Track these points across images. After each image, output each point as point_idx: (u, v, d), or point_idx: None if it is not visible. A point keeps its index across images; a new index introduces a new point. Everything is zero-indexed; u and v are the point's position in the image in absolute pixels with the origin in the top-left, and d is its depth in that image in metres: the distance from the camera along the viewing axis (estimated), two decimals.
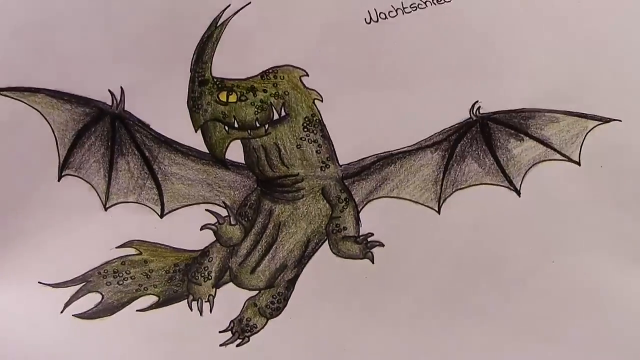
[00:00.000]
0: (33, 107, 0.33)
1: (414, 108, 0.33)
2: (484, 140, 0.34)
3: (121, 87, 0.33)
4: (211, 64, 0.33)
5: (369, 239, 0.34)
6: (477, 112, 0.33)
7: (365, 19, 0.32)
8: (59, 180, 0.33)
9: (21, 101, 0.33)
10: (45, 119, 0.33)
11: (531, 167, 0.34)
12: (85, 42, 0.33)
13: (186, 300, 0.34)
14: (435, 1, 0.32)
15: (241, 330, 0.34)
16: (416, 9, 0.32)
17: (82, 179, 0.33)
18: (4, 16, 0.33)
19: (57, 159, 0.33)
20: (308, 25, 0.32)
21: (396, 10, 0.32)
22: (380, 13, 0.32)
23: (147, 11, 0.33)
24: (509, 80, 0.33)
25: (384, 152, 0.33)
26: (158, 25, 0.33)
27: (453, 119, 0.33)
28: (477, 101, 0.33)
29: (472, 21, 0.32)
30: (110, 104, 0.33)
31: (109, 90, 0.33)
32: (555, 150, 0.34)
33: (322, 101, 0.33)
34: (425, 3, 0.32)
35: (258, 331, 0.33)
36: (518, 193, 0.34)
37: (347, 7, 0.32)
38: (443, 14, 0.32)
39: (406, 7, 0.32)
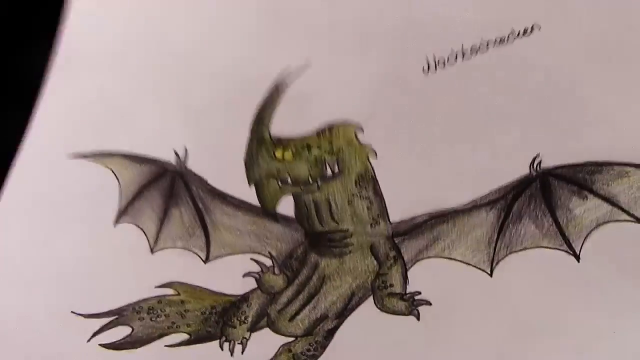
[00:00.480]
0: (108, 168, 0.51)
1: (470, 163, 0.47)
2: (543, 198, 0.46)
3: (185, 148, 0.52)
4: (270, 123, 0.50)
5: (416, 297, 0.45)
6: (538, 167, 0.46)
7: (423, 68, 0.50)
8: (115, 225, 0.50)
9: (99, 163, 0.52)
10: (116, 176, 0.51)
11: (594, 229, 0.45)
12: (157, 108, 0.53)
13: (218, 340, 0.46)
14: (497, 41, 0.49)
15: None
16: (477, 53, 0.49)
17: (135, 225, 0.50)
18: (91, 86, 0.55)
19: (118, 208, 0.51)
20: (365, 79, 0.50)
21: (455, 56, 0.49)
22: (438, 60, 0.49)
23: (212, 76, 0.53)
24: (576, 129, 0.46)
25: (437, 211, 0.47)
26: (221, 88, 0.52)
27: (512, 174, 0.46)
28: (538, 154, 0.46)
29: (537, 61, 0.48)
30: (174, 162, 0.52)
31: (174, 151, 0.52)
32: (622, 209, 0.45)
33: (376, 157, 0.48)
34: (487, 45, 0.49)
35: None
36: (577, 258, 0.45)
37: (404, 56, 0.50)
38: (506, 55, 0.48)
39: (466, 51, 0.49)
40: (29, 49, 0.58)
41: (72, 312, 0.47)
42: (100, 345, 0.46)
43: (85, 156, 0.52)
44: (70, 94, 0.54)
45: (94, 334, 0.46)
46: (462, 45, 0.50)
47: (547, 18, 0.51)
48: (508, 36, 0.50)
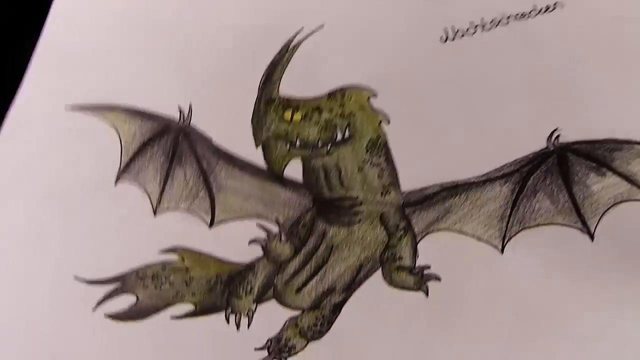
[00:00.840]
0: (107, 122, 0.50)
1: (486, 135, 0.46)
2: (560, 174, 0.45)
3: (189, 104, 0.50)
4: (279, 83, 0.49)
5: (425, 272, 0.45)
6: (556, 141, 0.46)
7: (441, 37, 0.48)
8: (115, 184, 0.49)
9: (99, 116, 0.50)
10: (117, 131, 0.49)
11: (610, 207, 0.45)
12: (158, 63, 0.51)
13: (224, 312, 0.45)
14: (518, 16, 0.47)
15: (279, 350, 0.44)
16: (497, 25, 0.47)
17: (137, 184, 0.48)
18: (87, 41, 0.52)
19: (119, 165, 0.49)
20: (380, 44, 0.49)
21: (475, 27, 0.47)
22: (457, 31, 0.48)
23: (219, 33, 0.50)
24: (595, 105, 0.45)
25: (449, 182, 0.46)
26: (229, 46, 0.50)
27: (528, 148, 0.45)
28: (557, 128, 0.46)
29: (559, 38, 0.46)
30: (178, 119, 0.50)
31: (178, 107, 0.50)
32: None
33: (388, 124, 0.47)
34: (507, 18, 0.48)
35: (296, 352, 0.43)
36: (591, 237, 0.44)
37: (422, 24, 0.48)
38: (526, 30, 0.47)
39: (485, 24, 0.47)
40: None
41: (75, 277, 0.46)
42: (106, 315, 0.45)
43: (83, 108, 0.50)
44: (67, 47, 0.52)
45: (99, 303, 0.45)
46: (483, 18, 0.48)
47: None
48: (530, 12, 0.48)
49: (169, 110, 0.50)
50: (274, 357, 0.44)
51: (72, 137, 0.49)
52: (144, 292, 0.46)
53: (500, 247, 0.45)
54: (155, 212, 0.47)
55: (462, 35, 0.49)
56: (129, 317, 0.45)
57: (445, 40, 0.49)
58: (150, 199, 0.48)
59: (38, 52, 0.51)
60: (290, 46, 0.49)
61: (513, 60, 0.48)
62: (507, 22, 0.48)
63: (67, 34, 0.52)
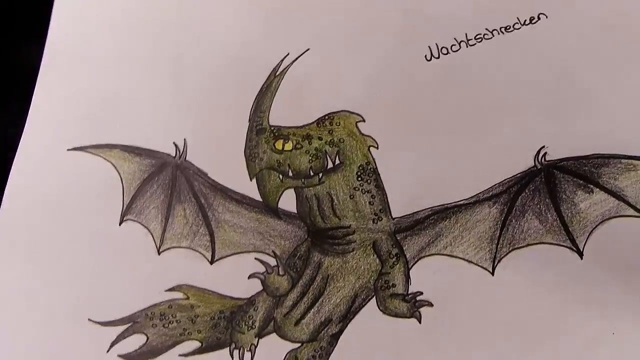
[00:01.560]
0: (108, 160, 0.51)
1: (474, 155, 0.47)
2: (547, 192, 0.46)
3: (184, 140, 0.52)
4: (269, 112, 0.50)
5: (418, 298, 0.46)
6: (543, 159, 0.46)
7: (425, 56, 0.48)
8: (120, 225, 0.51)
9: (99, 156, 0.52)
10: (117, 170, 0.51)
11: (598, 224, 0.45)
12: (155, 100, 0.52)
13: (228, 348, 0.48)
14: (503, 29, 0.47)
15: None
16: (481, 40, 0.47)
17: (140, 224, 0.51)
18: (85, 81, 0.54)
19: (122, 205, 0.51)
20: (366, 67, 0.48)
21: (459, 44, 0.47)
22: (442, 48, 0.48)
23: (210, 65, 0.51)
24: (581, 119, 0.45)
25: (439, 206, 0.47)
26: (219, 78, 0.50)
27: (516, 167, 0.46)
28: (544, 146, 0.46)
29: (543, 49, 0.46)
30: (174, 155, 0.51)
31: (174, 143, 0.52)
32: (629, 204, 0.45)
33: (377, 148, 0.48)
34: (491, 32, 0.47)
35: None
36: (580, 255, 0.45)
37: (406, 43, 0.48)
38: (510, 43, 0.46)
39: (470, 39, 0.47)
40: (18, 47, 0.56)
41: (89, 319, 0.49)
42: (119, 356, 0.48)
43: (84, 149, 0.52)
44: (65, 89, 0.53)
45: (112, 344, 0.48)
46: (466, 34, 0.48)
47: (553, 6, 0.47)
48: (514, 24, 0.47)
49: (165, 146, 0.51)
50: None
51: (75, 179, 0.51)
52: (153, 331, 0.49)
53: (491, 268, 0.46)
54: (159, 251, 0.50)
55: (447, 53, 0.48)
56: (140, 357, 0.48)
57: (430, 59, 0.49)
58: (153, 238, 0.50)
59: (35, 101, 0.53)
60: (277, 73, 0.50)
61: (498, 75, 0.48)
62: (492, 37, 0.48)
63: (63, 77, 0.54)
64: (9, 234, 0.51)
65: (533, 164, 0.46)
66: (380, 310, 0.47)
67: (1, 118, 0.55)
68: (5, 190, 0.52)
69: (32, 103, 0.53)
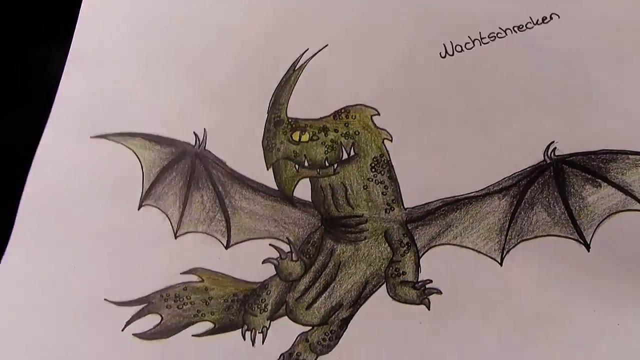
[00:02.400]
0: (129, 148, 0.53)
1: (485, 149, 0.48)
2: (556, 186, 0.47)
3: (204, 129, 0.53)
4: (287, 105, 0.51)
5: (427, 286, 0.47)
6: (552, 154, 0.47)
7: (440, 53, 0.50)
8: (139, 209, 0.53)
9: (121, 144, 0.53)
10: (138, 157, 0.53)
11: (605, 218, 0.46)
12: (176, 91, 0.54)
13: (240, 329, 0.49)
14: (515, 28, 0.49)
15: None
16: (495, 38, 0.48)
17: (159, 209, 0.52)
18: (109, 75, 0.56)
19: (141, 191, 0.53)
20: (382, 62, 0.50)
21: (473, 42, 0.49)
22: (456, 46, 0.49)
23: (230, 58, 0.53)
24: (591, 116, 0.47)
25: (450, 197, 0.48)
26: (240, 70, 0.52)
27: (526, 161, 0.47)
28: (553, 142, 0.47)
29: (555, 48, 0.48)
30: (194, 144, 0.53)
31: (194, 133, 0.53)
32: (636, 199, 0.46)
33: (391, 141, 0.49)
34: (505, 31, 0.49)
35: None
36: (587, 247, 0.46)
37: (422, 40, 0.49)
38: (523, 42, 0.48)
39: (484, 37, 0.49)
40: (45, 40, 0.58)
41: (105, 299, 0.50)
42: (133, 335, 0.49)
43: (106, 137, 0.53)
44: (89, 81, 0.55)
45: (127, 323, 0.49)
46: (480, 33, 0.49)
47: (565, 7, 0.49)
48: (526, 23, 0.49)
49: (186, 135, 0.53)
50: None
51: (97, 165, 0.53)
52: (168, 312, 0.50)
53: (499, 259, 0.47)
54: (175, 235, 0.51)
55: (461, 50, 0.50)
56: (154, 336, 0.49)
57: (445, 56, 0.50)
58: (171, 222, 0.51)
59: (60, 89, 0.55)
60: (296, 67, 0.52)
61: (511, 73, 0.49)
62: (505, 35, 0.50)
63: (89, 70, 0.56)
64: (31, 216, 0.53)
65: (542, 159, 0.47)
66: (390, 297, 0.48)
67: (27, 109, 0.56)
68: (29, 173, 0.53)
69: (57, 93, 0.55)
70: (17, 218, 0.53)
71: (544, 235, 0.47)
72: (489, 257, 0.48)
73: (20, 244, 0.52)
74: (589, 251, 0.46)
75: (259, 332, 0.48)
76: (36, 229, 0.52)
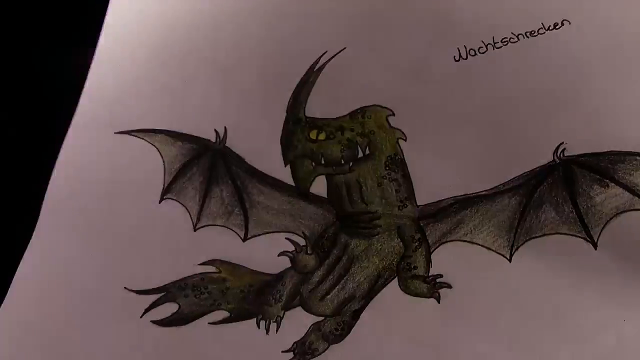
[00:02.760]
0: (152, 144, 0.55)
1: (497, 149, 0.49)
2: (565, 185, 0.48)
3: (225, 127, 0.55)
4: (305, 105, 0.53)
5: (438, 280, 0.48)
6: (562, 154, 0.48)
7: (454, 57, 0.51)
8: (160, 203, 0.54)
9: (144, 140, 0.55)
10: (160, 153, 0.55)
11: (613, 217, 0.47)
12: (200, 89, 0.56)
13: (255, 318, 0.50)
14: (527, 34, 0.50)
15: (303, 352, 0.48)
16: (507, 43, 0.50)
17: (179, 202, 0.54)
18: (132, 72, 0.58)
19: (162, 185, 0.54)
20: (398, 65, 0.52)
21: (486, 46, 0.51)
22: (470, 50, 0.51)
23: (253, 59, 0.55)
24: (600, 118, 0.48)
25: (462, 195, 0.49)
26: (261, 71, 0.54)
27: (535, 161, 0.48)
28: (562, 142, 0.48)
29: (566, 53, 0.50)
30: (215, 141, 0.55)
31: (215, 130, 0.55)
32: None
33: (405, 141, 0.51)
34: (517, 36, 0.50)
35: (319, 355, 0.48)
36: (595, 245, 0.47)
37: (437, 44, 0.51)
38: (535, 47, 0.50)
39: (497, 42, 0.50)
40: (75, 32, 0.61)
41: (125, 287, 0.51)
42: (152, 321, 0.51)
43: (130, 133, 0.55)
44: (115, 77, 0.57)
45: (146, 310, 0.51)
46: (493, 37, 0.51)
47: (576, 13, 0.51)
48: (538, 29, 0.51)
49: (207, 133, 0.54)
50: (299, 359, 0.49)
51: (120, 160, 0.55)
52: (185, 301, 0.51)
53: (508, 256, 0.48)
54: (195, 228, 0.53)
55: (475, 54, 0.52)
56: (172, 323, 0.51)
57: (459, 59, 0.52)
58: (190, 216, 0.53)
59: (87, 86, 0.57)
60: (315, 68, 0.54)
61: (523, 76, 0.51)
62: (517, 40, 0.51)
63: (113, 67, 0.58)
64: (56, 207, 0.54)
65: (552, 159, 0.49)
66: (402, 290, 0.49)
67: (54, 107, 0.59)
68: (55, 165, 0.55)
69: (83, 91, 0.57)
70: (42, 210, 0.54)
71: (553, 234, 0.48)
72: (499, 253, 0.49)
73: (45, 235, 0.54)
74: (596, 249, 0.47)
75: (273, 322, 0.50)
76: (60, 221, 0.54)
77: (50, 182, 0.55)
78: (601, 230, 0.48)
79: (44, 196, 0.55)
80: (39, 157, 0.56)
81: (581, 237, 0.48)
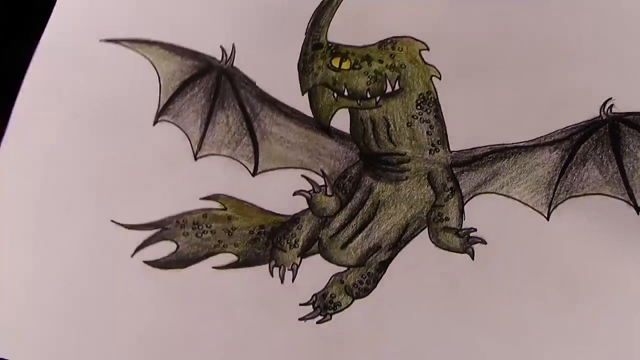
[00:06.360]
0: (146, 57, 0.45)
1: (538, 99, 0.43)
2: (611, 144, 0.43)
3: (233, 44, 0.46)
4: (328, 28, 0.44)
5: (472, 234, 0.42)
6: (609, 110, 0.43)
7: None
8: (154, 125, 0.45)
9: (136, 51, 0.45)
10: (155, 68, 0.45)
11: None
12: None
13: (267, 265, 0.42)
14: None
15: (324, 306, 0.41)
16: None
17: (177, 126, 0.45)
18: None
19: (157, 105, 0.45)
20: None
21: None
22: None
23: None
24: None
25: (499, 144, 0.43)
26: None
27: (580, 115, 0.43)
28: (610, 98, 0.43)
29: (618, 8, 0.44)
30: (220, 59, 0.45)
31: (221, 46, 0.46)
32: None
33: (440, 79, 0.44)
34: None
35: (342, 310, 0.41)
36: (637, 210, 0.42)
37: None
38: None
39: None
40: None
41: (111, 221, 0.42)
42: (145, 262, 0.42)
43: (118, 42, 0.45)
44: None
45: (138, 248, 0.42)
46: None
47: None
48: None
49: (211, 50, 0.45)
50: (319, 314, 0.42)
51: (106, 72, 0.45)
52: (185, 239, 0.43)
53: (546, 213, 0.43)
54: (195, 157, 0.44)
55: None
56: (169, 265, 0.42)
57: None
58: (190, 142, 0.44)
59: None
60: None
61: (572, 26, 0.45)
62: None
63: None
64: (24, 126, 0.44)
65: (598, 114, 0.43)
66: (433, 243, 0.43)
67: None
68: (25, 78, 0.45)
69: None
70: (9, 123, 0.44)
71: (594, 194, 0.43)
72: (536, 210, 0.43)
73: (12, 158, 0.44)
74: (638, 214, 0.43)
75: (288, 269, 0.42)
76: (30, 134, 0.44)
77: (19, 96, 0.44)
78: None
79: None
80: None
81: (624, 200, 0.43)
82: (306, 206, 0.43)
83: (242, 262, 0.42)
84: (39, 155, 0.44)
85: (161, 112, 0.44)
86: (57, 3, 0.46)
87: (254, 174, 0.44)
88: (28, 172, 0.44)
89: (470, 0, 0.46)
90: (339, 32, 0.45)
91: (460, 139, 0.44)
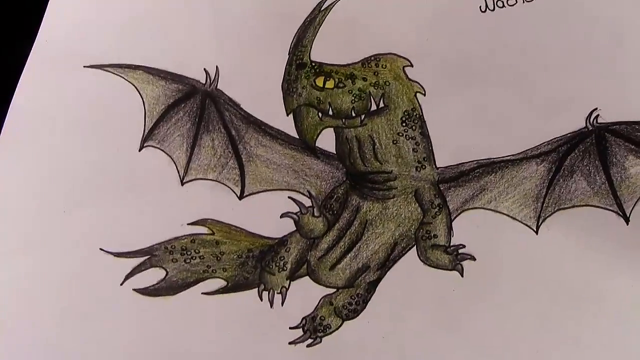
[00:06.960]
0: (130, 82, 0.45)
1: (524, 111, 0.43)
2: (598, 154, 0.43)
3: (216, 67, 0.46)
4: (311, 47, 0.43)
5: (460, 251, 0.42)
6: (595, 121, 0.43)
7: (480, 7, 0.44)
8: (139, 150, 0.45)
9: (120, 76, 0.45)
10: (139, 93, 0.45)
11: None
12: (187, 23, 0.46)
13: (256, 289, 0.42)
14: None
15: (314, 329, 0.41)
16: None
17: (163, 151, 0.44)
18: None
19: (142, 130, 0.45)
20: (418, 12, 0.44)
21: None
22: (497, 1, 0.44)
23: None
24: (636, 85, 0.42)
25: (486, 159, 0.43)
26: (260, 6, 0.45)
27: (566, 127, 0.42)
28: (596, 108, 0.42)
29: (600, 13, 0.43)
30: (204, 82, 0.45)
31: (204, 69, 0.46)
32: None
33: (424, 95, 0.43)
34: None
35: (332, 332, 0.41)
36: (627, 220, 0.42)
37: None
38: (568, 3, 0.43)
39: None
40: None
41: (101, 249, 0.42)
42: (134, 290, 0.41)
43: (102, 67, 0.45)
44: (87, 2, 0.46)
45: (127, 277, 0.42)
46: None
47: None
48: None
49: (195, 73, 0.45)
50: (309, 337, 0.41)
51: (91, 99, 0.45)
52: (173, 266, 0.42)
53: (535, 227, 0.43)
54: (182, 182, 0.43)
55: (503, 6, 0.45)
56: (158, 293, 0.42)
57: (485, 10, 0.45)
58: (176, 167, 0.44)
59: (49, 8, 0.46)
60: (322, 7, 0.45)
61: (553, 34, 0.44)
62: None
63: None
64: (13, 151, 0.44)
65: (584, 125, 0.43)
66: (421, 261, 0.42)
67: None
68: (10, 104, 0.44)
69: (44, 15, 0.46)
70: None
71: (583, 205, 0.43)
72: (524, 224, 0.43)
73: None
74: (627, 224, 0.42)
75: (277, 293, 0.42)
76: (17, 162, 0.44)
77: (8, 114, 0.44)
78: (634, 204, 0.42)
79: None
80: None
81: (613, 211, 0.43)
82: (294, 228, 0.43)
83: (231, 287, 0.42)
84: (22, 187, 0.44)
85: (147, 138, 0.44)
86: (40, 29, 0.46)
87: (240, 197, 0.43)
88: (12, 201, 0.44)
89: (453, 15, 0.45)
90: (322, 50, 0.44)
91: (446, 154, 0.43)
